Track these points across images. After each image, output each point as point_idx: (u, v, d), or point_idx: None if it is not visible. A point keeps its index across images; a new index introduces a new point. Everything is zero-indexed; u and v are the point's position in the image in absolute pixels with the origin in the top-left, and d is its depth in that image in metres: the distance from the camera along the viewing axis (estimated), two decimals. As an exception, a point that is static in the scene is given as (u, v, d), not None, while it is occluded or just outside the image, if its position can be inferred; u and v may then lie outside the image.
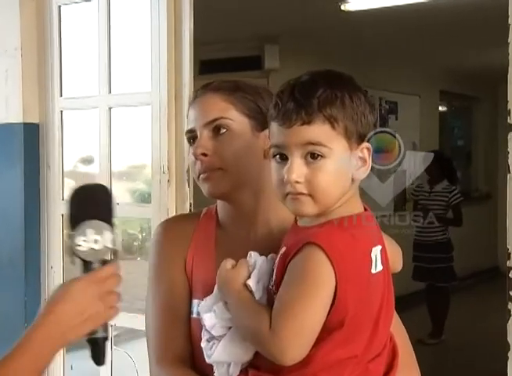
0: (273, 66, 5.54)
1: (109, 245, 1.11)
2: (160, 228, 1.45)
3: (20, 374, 1.03)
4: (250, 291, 1.17)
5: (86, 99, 2.71)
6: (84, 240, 1.10)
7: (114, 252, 1.14)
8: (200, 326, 1.24)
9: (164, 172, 2.43)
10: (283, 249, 1.17)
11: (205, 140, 1.32)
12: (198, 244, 1.38)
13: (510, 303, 1.98)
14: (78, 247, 1.10)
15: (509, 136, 1.98)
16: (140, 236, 7.84)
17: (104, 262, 1.12)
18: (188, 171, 2.43)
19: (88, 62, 2.65)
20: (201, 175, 1.32)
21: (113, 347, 2.71)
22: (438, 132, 7.95)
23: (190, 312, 1.35)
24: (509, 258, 1.97)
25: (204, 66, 5.11)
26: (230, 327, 1.19)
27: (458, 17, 4.92)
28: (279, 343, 1.08)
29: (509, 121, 1.97)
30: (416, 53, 6.18)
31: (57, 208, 2.74)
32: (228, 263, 1.21)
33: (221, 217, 1.40)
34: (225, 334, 1.19)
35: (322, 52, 5.61)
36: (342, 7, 4.44)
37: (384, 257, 1.16)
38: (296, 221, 1.22)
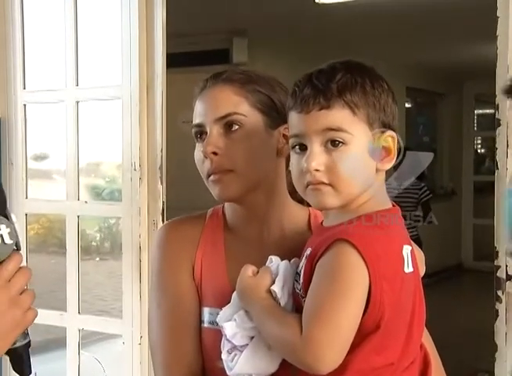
0: (241, 60, 5.47)
1: (8, 240, 0.96)
2: (164, 230, 1.35)
3: None
4: (275, 298, 1.09)
5: (51, 92, 2.60)
6: None
7: (16, 245, 0.97)
8: (214, 336, 1.17)
9: (135, 170, 2.35)
10: (309, 250, 1.08)
11: (216, 138, 1.22)
12: (206, 248, 1.29)
13: (497, 303, 1.95)
14: None
15: (497, 132, 1.94)
16: (98, 236, 7.70)
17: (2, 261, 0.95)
18: (161, 168, 2.33)
19: (54, 53, 2.55)
20: (211, 177, 1.23)
21: (80, 351, 2.60)
22: (405, 129, 7.96)
23: (200, 321, 1.25)
24: (496, 257, 1.95)
25: (170, 60, 4.99)
26: (252, 337, 1.10)
27: (426, 14, 4.93)
28: (313, 349, 0.99)
29: (497, 115, 1.95)
30: (385, 48, 6.16)
31: (21, 207, 2.63)
32: (249, 270, 1.12)
33: (229, 218, 1.31)
34: (247, 344, 1.10)
35: (292, 45, 5.54)
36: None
37: (414, 259, 1.09)
38: (321, 223, 1.15)
